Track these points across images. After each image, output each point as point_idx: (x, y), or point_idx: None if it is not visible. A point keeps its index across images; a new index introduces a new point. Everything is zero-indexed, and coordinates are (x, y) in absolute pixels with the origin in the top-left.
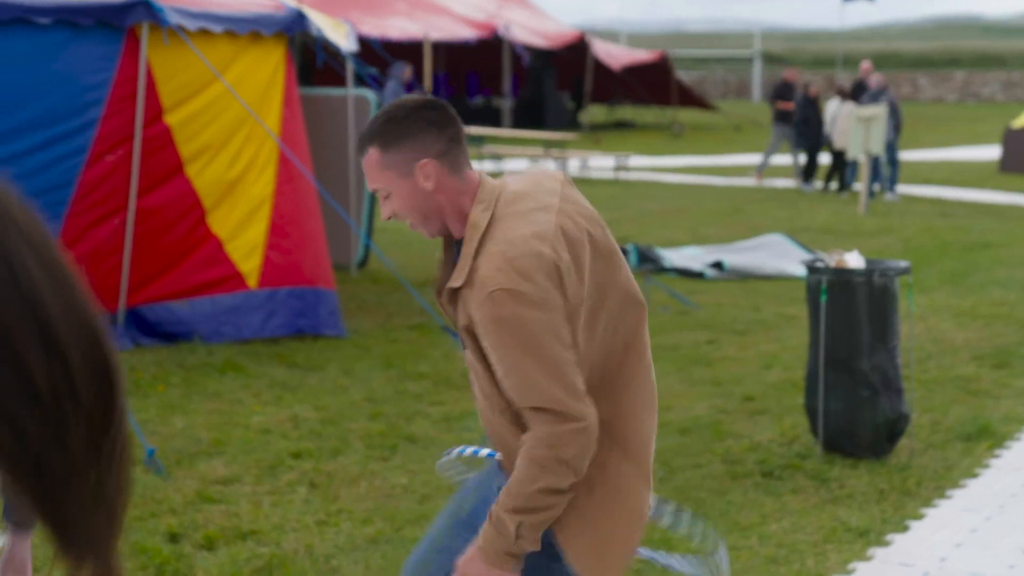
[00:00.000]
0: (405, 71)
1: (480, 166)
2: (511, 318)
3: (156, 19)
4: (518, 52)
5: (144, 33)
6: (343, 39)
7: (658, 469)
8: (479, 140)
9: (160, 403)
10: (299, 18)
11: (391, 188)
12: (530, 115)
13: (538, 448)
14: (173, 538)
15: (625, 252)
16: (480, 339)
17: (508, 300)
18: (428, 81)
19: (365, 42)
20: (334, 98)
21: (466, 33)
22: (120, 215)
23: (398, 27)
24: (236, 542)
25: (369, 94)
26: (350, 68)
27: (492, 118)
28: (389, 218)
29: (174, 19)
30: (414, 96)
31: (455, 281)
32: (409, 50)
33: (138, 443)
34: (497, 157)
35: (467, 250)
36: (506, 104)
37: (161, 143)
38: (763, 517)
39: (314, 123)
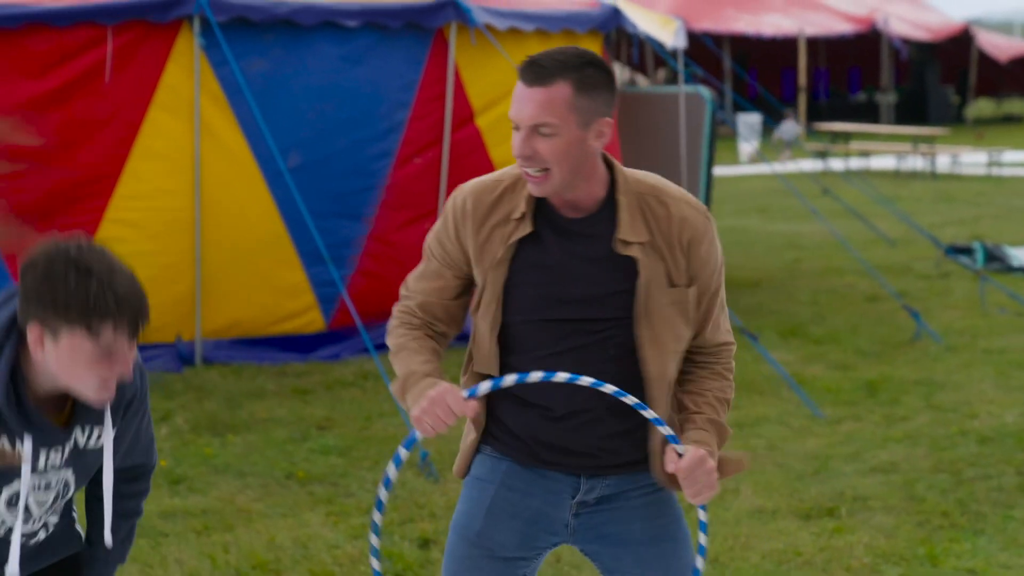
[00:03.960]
0: None
1: (846, 163)
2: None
3: (464, 19)
4: (896, 46)
5: (452, 34)
6: (670, 36)
7: (946, 479)
8: (846, 136)
9: None
10: (614, 15)
11: (561, 131)
12: (912, 110)
13: (730, 360)
14: (424, 544)
15: (971, 251)
16: (699, 272)
17: (712, 222)
18: (803, 77)
19: (694, 38)
20: (667, 96)
21: (842, 27)
22: (430, 219)
23: (772, 23)
24: None
25: (704, 91)
26: (680, 66)
27: (872, 114)
28: (523, 155)
29: (482, 18)
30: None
31: (635, 234)
32: (784, 46)
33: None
34: (864, 154)
35: (629, 199)
36: (887, 99)
37: (471, 146)
38: None
39: (648, 121)
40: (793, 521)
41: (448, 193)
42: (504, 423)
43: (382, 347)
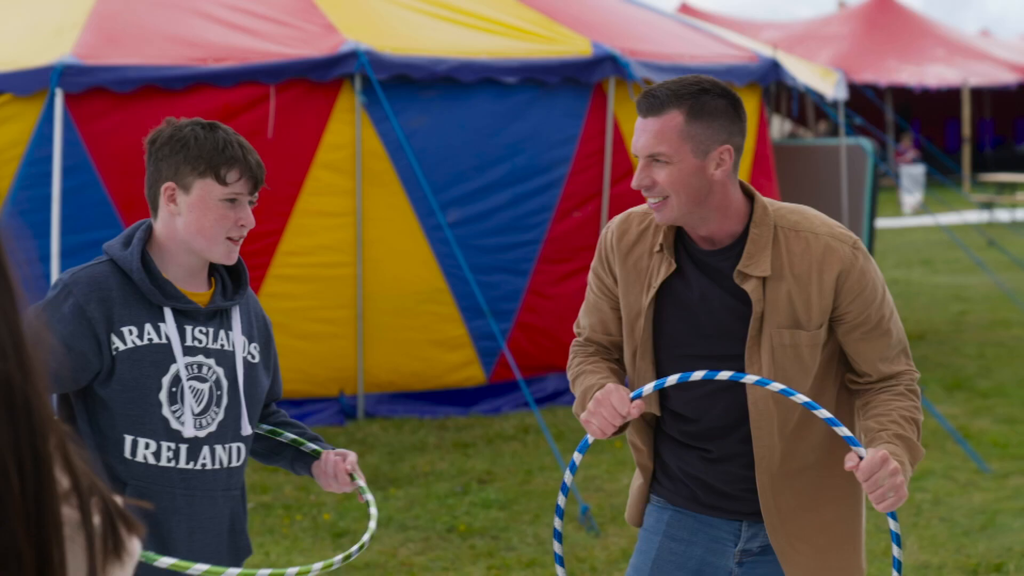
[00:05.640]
0: None
1: (1012, 214)
2: (873, 268)
3: (623, 74)
4: None
5: (611, 88)
6: (830, 88)
7: None
8: (1011, 187)
9: (613, 459)
10: (773, 67)
11: (675, 159)
12: None
13: (913, 383)
14: None
15: None
16: (851, 304)
17: (863, 252)
18: (967, 128)
19: (855, 90)
20: (829, 148)
21: (1007, 77)
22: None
23: (935, 74)
24: None
25: (865, 143)
26: (841, 117)
27: None
28: (642, 185)
29: (641, 73)
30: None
31: (756, 268)
32: (947, 96)
33: (575, 500)
34: None
35: (762, 232)
36: None
37: (631, 200)
38: None
39: (809, 174)
40: None
41: None
42: (668, 465)
43: (542, 401)
